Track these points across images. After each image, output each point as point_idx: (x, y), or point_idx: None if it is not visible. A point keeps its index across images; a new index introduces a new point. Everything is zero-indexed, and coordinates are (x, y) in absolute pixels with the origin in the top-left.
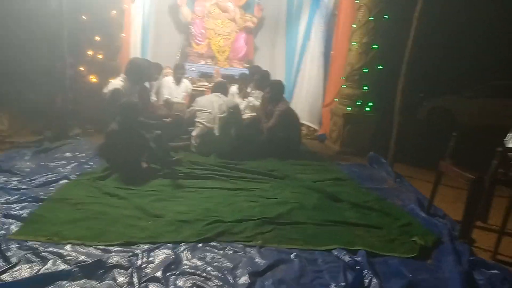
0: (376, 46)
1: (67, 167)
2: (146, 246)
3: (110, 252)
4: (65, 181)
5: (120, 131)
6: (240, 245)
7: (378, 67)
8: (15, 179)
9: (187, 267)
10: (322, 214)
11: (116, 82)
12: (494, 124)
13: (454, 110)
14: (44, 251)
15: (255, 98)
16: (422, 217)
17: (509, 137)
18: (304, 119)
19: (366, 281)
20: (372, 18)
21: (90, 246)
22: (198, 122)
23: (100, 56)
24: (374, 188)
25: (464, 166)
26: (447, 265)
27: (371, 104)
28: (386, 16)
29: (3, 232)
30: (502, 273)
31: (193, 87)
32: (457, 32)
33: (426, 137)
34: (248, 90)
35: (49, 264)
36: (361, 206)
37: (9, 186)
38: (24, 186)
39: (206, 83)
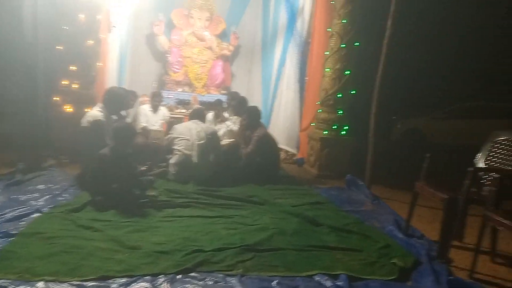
0: (349, 72)
1: (40, 200)
2: (123, 280)
3: (85, 287)
4: (38, 214)
5: (112, 156)
6: (221, 275)
7: (352, 91)
8: None
9: None
10: (302, 239)
11: (95, 113)
12: (465, 143)
13: (426, 131)
14: None
15: (233, 124)
16: (400, 238)
17: (479, 156)
18: (282, 144)
19: None
20: (344, 45)
21: (64, 282)
22: (176, 149)
23: (75, 86)
24: (352, 210)
25: (439, 186)
26: (426, 286)
27: (347, 127)
28: (357, 44)
29: None
30: None
31: (171, 114)
32: (427, 54)
33: (400, 159)
34: (226, 115)
35: None
36: (341, 230)
37: None
38: None
39: (183, 110)
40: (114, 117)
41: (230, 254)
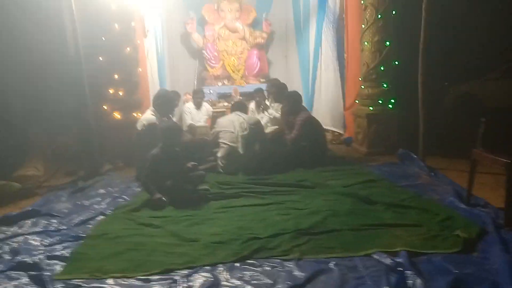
0: (388, 43)
1: (102, 203)
2: (185, 272)
3: (150, 281)
4: (102, 217)
5: (162, 155)
6: (278, 260)
7: (395, 63)
8: (55, 221)
9: None
10: (358, 219)
11: (149, 116)
12: None
13: (480, 94)
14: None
15: (275, 111)
16: (463, 209)
17: None
18: (328, 125)
19: (410, 282)
20: (380, 16)
21: (131, 277)
22: (222, 142)
23: (120, 93)
24: (408, 185)
25: (498, 151)
26: (494, 255)
27: (393, 101)
28: (394, 12)
29: (48, 273)
30: None
31: (214, 109)
32: (473, 12)
33: (455, 126)
34: (267, 103)
35: None
36: (397, 206)
37: (50, 229)
38: (64, 227)
39: (226, 104)
40: (165, 119)
41: (286, 239)
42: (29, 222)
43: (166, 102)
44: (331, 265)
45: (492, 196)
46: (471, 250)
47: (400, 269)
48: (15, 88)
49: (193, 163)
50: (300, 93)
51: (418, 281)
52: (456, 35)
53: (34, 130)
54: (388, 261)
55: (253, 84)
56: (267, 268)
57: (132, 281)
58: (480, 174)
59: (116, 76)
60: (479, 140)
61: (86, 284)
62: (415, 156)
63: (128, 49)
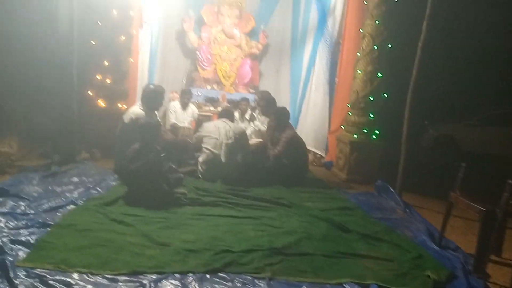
0: (381, 75)
1: (74, 192)
2: (154, 276)
3: (117, 281)
4: (72, 206)
5: (141, 150)
6: (249, 277)
7: (384, 95)
8: (23, 203)
9: None
10: (331, 245)
11: (137, 110)
12: (502, 153)
13: (459, 138)
14: (52, 280)
15: (261, 124)
16: (434, 249)
17: None
18: (310, 146)
19: None
20: (376, 47)
21: (97, 274)
22: (205, 148)
23: (108, 81)
24: (383, 218)
25: (476, 197)
26: None
27: (378, 132)
28: (390, 45)
29: (11, 259)
30: None
31: (199, 112)
32: (462, 59)
33: (432, 166)
34: (254, 115)
35: None
36: (370, 237)
37: (17, 211)
38: (32, 211)
39: (212, 108)
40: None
41: (258, 256)
42: None
43: (155, 97)
44: None
45: (463, 241)
46: None
47: None
48: None
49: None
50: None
51: None
52: (443, 76)
53: (11, 105)
54: None
55: (242, 93)
56: (238, 284)
57: (98, 279)
58: (454, 217)
59: (106, 63)
60: (457, 184)
61: (49, 275)
62: (392, 190)
63: (123, 37)
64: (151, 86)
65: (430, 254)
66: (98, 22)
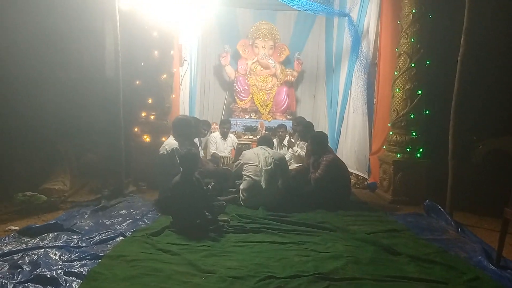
0: (420, 92)
1: (123, 224)
2: None
3: None
4: (121, 238)
5: (183, 182)
6: None
7: (426, 112)
8: (75, 237)
9: None
10: (380, 269)
11: (171, 141)
12: None
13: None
14: None
15: (300, 149)
16: (492, 270)
17: None
18: (352, 168)
19: None
20: (413, 65)
21: None
22: (245, 175)
23: (152, 117)
24: (434, 239)
25: None
26: None
27: (422, 150)
28: (428, 62)
29: None
30: None
31: (239, 141)
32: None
33: (484, 183)
34: (293, 140)
35: None
36: (422, 259)
37: (70, 244)
38: (84, 244)
39: (251, 137)
40: (187, 143)
41: (304, 282)
42: (51, 235)
43: (184, 127)
44: None
45: None
46: None
47: None
48: (49, 102)
49: (211, 184)
50: (326, 133)
51: None
52: (489, 88)
53: (64, 144)
54: None
55: (279, 120)
56: None
57: None
58: (511, 235)
59: (150, 101)
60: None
61: None
62: (442, 210)
63: (165, 75)
64: (180, 117)
65: (488, 275)
66: (142, 63)
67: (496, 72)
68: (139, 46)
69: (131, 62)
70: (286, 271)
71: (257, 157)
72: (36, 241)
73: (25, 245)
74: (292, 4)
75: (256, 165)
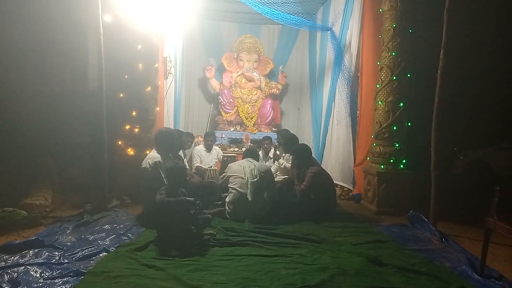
0: (402, 104)
1: (106, 240)
2: None
3: None
4: (105, 253)
5: (168, 196)
6: None
7: (408, 124)
8: (57, 253)
9: None
10: (367, 280)
11: (153, 155)
12: None
13: (493, 163)
14: None
15: (286, 161)
16: (476, 279)
17: None
18: (337, 179)
19: None
20: (395, 78)
21: None
22: (231, 187)
23: (136, 130)
24: (418, 249)
25: (510, 222)
26: None
27: (405, 161)
28: (409, 75)
29: None
30: None
31: (224, 153)
32: (486, 82)
33: (466, 193)
34: (278, 153)
35: None
36: (408, 270)
37: (52, 261)
38: (66, 261)
39: (236, 149)
40: (170, 156)
41: None
42: (31, 252)
43: (167, 140)
44: None
45: (507, 269)
46: None
47: None
48: (30, 116)
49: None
50: (311, 145)
51: None
52: (469, 100)
53: (46, 158)
54: None
55: (264, 132)
56: None
57: None
58: (494, 244)
59: (134, 113)
60: (493, 209)
61: None
62: (426, 220)
63: (149, 88)
64: (162, 129)
65: (472, 284)
66: (126, 76)
67: (476, 84)
68: (123, 59)
69: (115, 75)
70: (273, 284)
71: (243, 170)
72: (16, 258)
73: (4, 263)
74: (275, 18)
75: (242, 178)
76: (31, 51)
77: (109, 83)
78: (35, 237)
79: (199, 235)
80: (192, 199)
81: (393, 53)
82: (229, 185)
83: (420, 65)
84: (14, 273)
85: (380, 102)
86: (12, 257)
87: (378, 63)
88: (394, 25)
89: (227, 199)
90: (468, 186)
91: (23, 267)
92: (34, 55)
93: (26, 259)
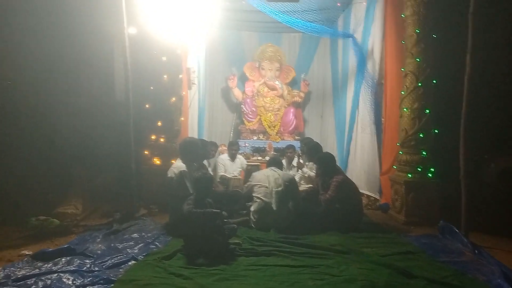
0: (428, 111)
1: (135, 248)
2: None
3: None
4: (133, 261)
5: (196, 207)
6: None
7: (434, 131)
8: (88, 261)
9: None
10: None
11: (179, 164)
12: None
13: None
14: None
15: (309, 170)
16: None
17: None
18: (363, 189)
19: None
20: (420, 84)
21: None
22: (256, 197)
23: (162, 140)
24: (450, 261)
25: None
26: None
27: (433, 169)
28: (435, 81)
29: None
30: None
31: (248, 162)
32: None
33: (499, 202)
34: (302, 161)
35: None
36: (439, 283)
37: (83, 269)
38: (96, 268)
39: (259, 158)
40: (195, 165)
41: None
42: (63, 259)
43: (191, 150)
44: None
45: None
46: None
47: None
48: (62, 126)
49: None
50: (335, 153)
51: None
52: (498, 106)
53: (76, 168)
54: None
55: (287, 141)
56: None
57: None
58: None
59: (159, 124)
60: None
61: None
62: (457, 231)
63: (174, 99)
64: (186, 139)
65: None
66: (151, 87)
67: (506, 88)
68: (149, 70)
69: (141, 86)
70: None
71: (267, 179)
72: (49, 265)
73: (38, 270)
74: (296, 26)
75: (266, 187)
76: (62, 65)
77: (136, 94)
78: (67, 245)
79: (225, 245)
80: (218, 211)
81: (418, 59)
82: (253, 194)
83: (446, 71)
84: (47, 280)
85: (405, 109)
86: (46, 265)
87: (403, 69)
88: (417, 31)
89: (251, 208)
90: (501, 195)
91: (56, 274)
92: (64, 68)
93: (59, 266)
